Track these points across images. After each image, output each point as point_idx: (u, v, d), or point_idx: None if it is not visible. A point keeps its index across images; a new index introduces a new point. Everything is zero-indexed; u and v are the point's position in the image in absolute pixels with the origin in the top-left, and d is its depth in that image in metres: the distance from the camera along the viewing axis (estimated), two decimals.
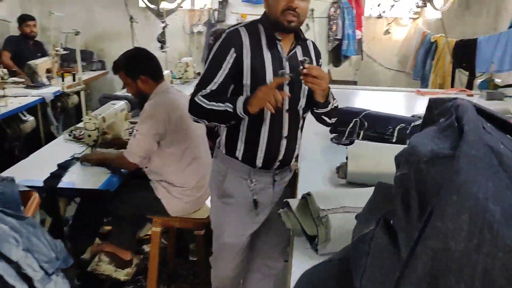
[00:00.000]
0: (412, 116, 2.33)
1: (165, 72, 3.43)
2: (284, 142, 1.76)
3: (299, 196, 1.37)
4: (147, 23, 5.56)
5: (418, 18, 5.47)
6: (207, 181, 2.37)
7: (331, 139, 2.36)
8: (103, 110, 2.62)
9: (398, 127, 2.05)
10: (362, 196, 1.30)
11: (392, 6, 5.32)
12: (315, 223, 1.25)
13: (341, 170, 1.75)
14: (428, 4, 5.23)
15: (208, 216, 2.25)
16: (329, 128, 2.35)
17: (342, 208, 1.22)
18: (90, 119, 2.39)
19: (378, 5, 5.44)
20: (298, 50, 1.76)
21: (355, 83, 5.46)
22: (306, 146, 2.29)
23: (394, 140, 2.05)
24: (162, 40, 5.29)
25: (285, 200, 1.35)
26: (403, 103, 3.69)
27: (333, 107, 1.77)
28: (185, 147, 2.25)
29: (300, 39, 1.76)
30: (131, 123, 3.01)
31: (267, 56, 1.68)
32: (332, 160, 1.82)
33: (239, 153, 1.76)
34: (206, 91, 1.64)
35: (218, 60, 1.66)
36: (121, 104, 2.79)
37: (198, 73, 5.34)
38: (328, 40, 5.11)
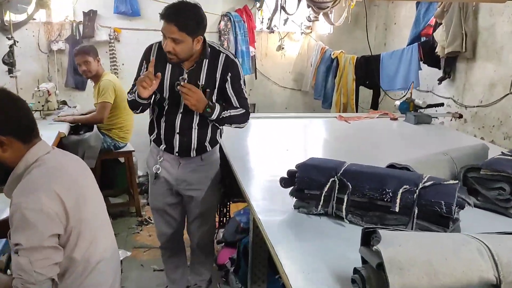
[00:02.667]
0: (390, 165, 1.77)
1: None
2: (177, 137, 2.23)
3: None
4: None
5: (310, 32, 5.12)
6: (118, 284, 1.56)
7: (295, 207, 1.69)
8: None
9: (401, 190, 1.45)
10: None
11: (286, 20, 4.87)
12: None
13: (370, 286, 1.09)
14: (321, 18, 4.91)
15: None
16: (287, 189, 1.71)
17: None
18: None
19: (269, 19, 4.94)
20: (205, 64, 2.16)
21: (253, 105, 4.89)
22: (269, 219, 1.60)
23: (397, 209, 1.46)
24: (10, 62, 4.10)
25: None
26: (326, 130, 3.21)
27: (220, 117, 2.16)
28: (86, 246, 1.36)
29: (205, 57, 2.15)
30: None
31: (169, 68, 2.16)
32: (316, 244, 1.43)
33: (153, 137, 2.31)
34: (132, 89, 2.22)
35: (139, 68, 2.26)
36: None
37: (64, 102, 4.26)
38: None
